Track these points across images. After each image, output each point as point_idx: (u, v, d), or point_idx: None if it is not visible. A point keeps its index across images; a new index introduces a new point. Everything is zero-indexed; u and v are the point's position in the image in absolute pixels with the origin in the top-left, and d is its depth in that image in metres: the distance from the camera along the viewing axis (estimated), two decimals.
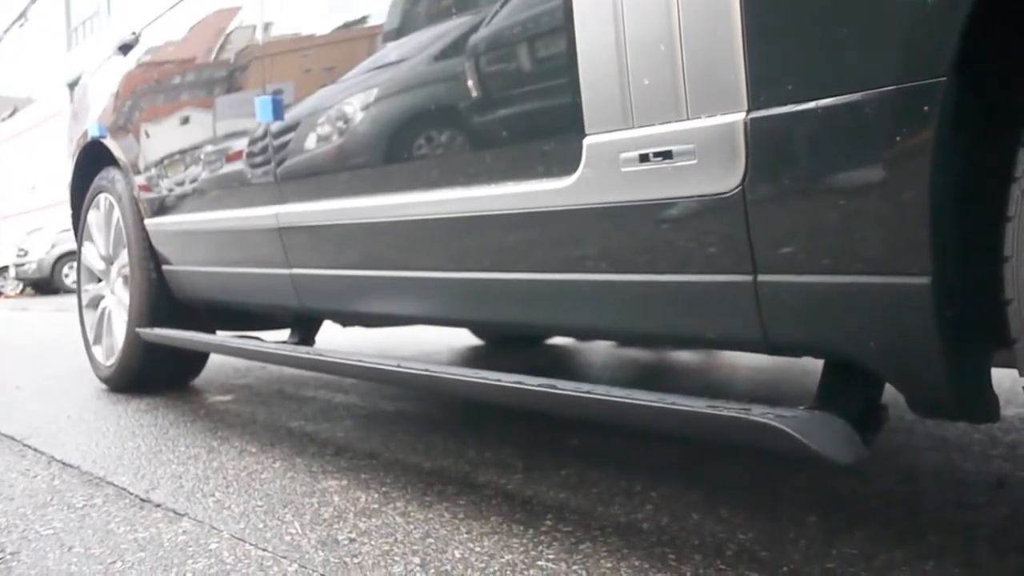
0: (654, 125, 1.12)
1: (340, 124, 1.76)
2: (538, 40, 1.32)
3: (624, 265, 1.22)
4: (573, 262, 1.30)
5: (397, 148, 1.63)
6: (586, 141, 1.22)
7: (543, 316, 1.44)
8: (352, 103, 1.72)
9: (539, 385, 1.29)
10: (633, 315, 1.26)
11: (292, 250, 2.02)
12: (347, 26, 1.81)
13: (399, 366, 1.61)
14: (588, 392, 1.21)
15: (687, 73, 1.06)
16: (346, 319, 2.40)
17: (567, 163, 1.26)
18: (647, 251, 1.18)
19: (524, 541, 1.34)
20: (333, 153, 1.80)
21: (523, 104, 1.36)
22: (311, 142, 1.87)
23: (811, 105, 0.93)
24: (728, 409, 1.03)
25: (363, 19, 1.76)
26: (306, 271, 2.01)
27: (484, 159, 1.43)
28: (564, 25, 1.24)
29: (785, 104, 0.96)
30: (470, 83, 1.45)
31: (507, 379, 1.36)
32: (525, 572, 1.22)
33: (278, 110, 1.97)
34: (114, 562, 1.32)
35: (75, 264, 3.39)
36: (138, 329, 2.74)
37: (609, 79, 1.17)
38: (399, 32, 1.62)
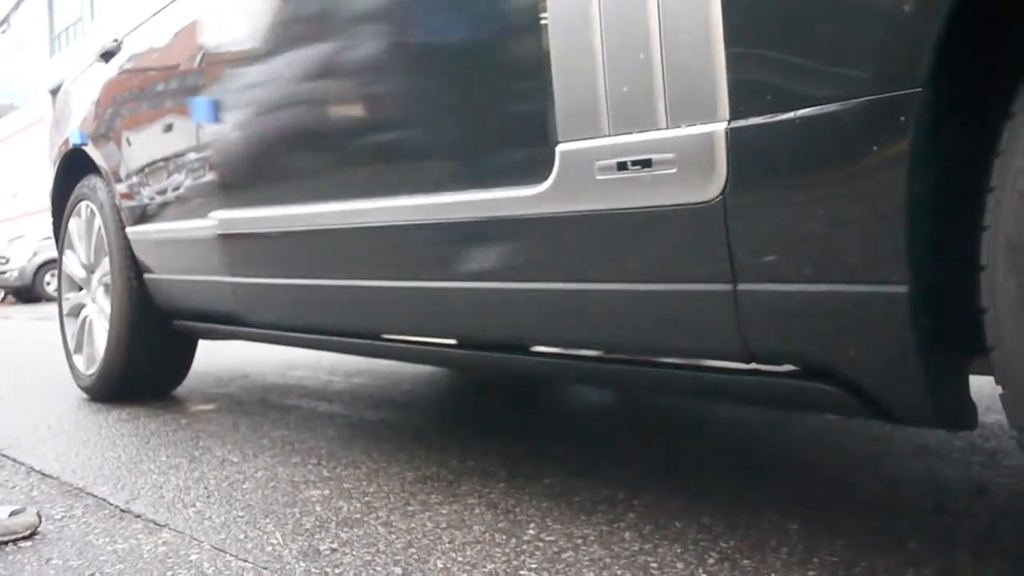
0: (632, 133, 1.12)
1: (295, 128, 1.73)
2: (510, 43, 1.32)
3: (599, 275, 1.22)
4: (545, 272, 1.29)
5: (361, 152, 1.62)
6: (559, 148, 1.21)
7: (512, 328, 1.42)
8: (309, 105, 1.71)
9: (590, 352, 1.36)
10: (609, 326, 1.25)
11: (232, 257, 2.02)
12: (295, 24, 1.79)
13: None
14: (642, 358, 1.26)
15: (667, 82, 1.07)
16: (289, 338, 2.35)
17: (538, 170, 1.25)
18: (623, 261, 1.18)
19: (507, 551, 1.34)
20: (284, 157, 1.78)
21: (493, 108, 1.35)
22: (256, 146, 1.85)
23: (790, 115, 0.94)
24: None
25: (313, 18, 1.75)
26: (246, 280, 2.01)
27: (450, 164, 1.42)
28: (537, 29, 1.23)
29: (764, 114, 0.97)
30: (435, 85, 1.43)
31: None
32: None
33: (215, 113, 1.96)
34: (92, 574, 1.31)
35: (57, 272, 3.36)
36: (176, 322, 2.69)
37: (585, 86, 1.16)
38: (354, 32, 1.61)
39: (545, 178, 1.24)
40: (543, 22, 1.22)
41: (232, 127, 1.99)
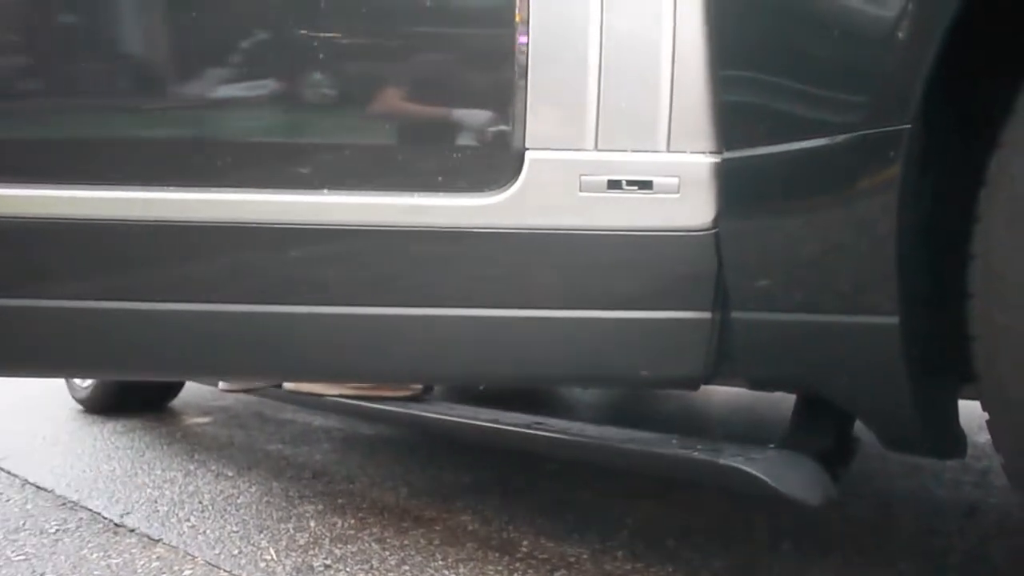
0: (626, 152, 1.09)
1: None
2: (475, 15, 1.17)
3: (569, 301, 1.13)
4: (496, 295, 1.15)
5: (247, 123, 1.22)
6: (530, 155, 1.10)
7: (456, 364, 1.20)
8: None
9: (514, 425, 1.29)
10: (587, 356, 1.16)
11: None
12: None
13: (379, 403, 1.62)
14: (561, 433, 1.22)
15: (673, 105, 1.06)
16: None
17: (495, 177, 1.11)
18: (608, 284, 1.12)
19: (500, 568, 1.35)
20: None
21: (441, 91, 1.17)
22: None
23: (785, 147, 0.96)
24: (698, 451, 1.04)
25: None
26: None
27: (374, 158, 1.18)
28: (512, 9, 1.09)
29: (761, 145, 0.99)
30: (360, 41, 1.19)
31: (484, 415, 1.36)
32: None
33: None
34: None
35: None
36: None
37: (572, 93, 1.09)
38: None
39: (504, 187, 1.11)
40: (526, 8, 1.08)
41: None
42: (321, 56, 1.17)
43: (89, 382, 2.93)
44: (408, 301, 1.15)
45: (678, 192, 1.07)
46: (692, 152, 1.05)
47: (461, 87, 1.17)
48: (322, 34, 1.16)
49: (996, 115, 0.83)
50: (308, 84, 1.20)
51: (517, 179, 1.10)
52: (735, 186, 1.02)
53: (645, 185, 1.08)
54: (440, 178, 1.12)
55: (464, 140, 1.16)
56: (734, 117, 1.01)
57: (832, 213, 0.93)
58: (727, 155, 1.02)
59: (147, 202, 1.13)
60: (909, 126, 0.83)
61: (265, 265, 1.17)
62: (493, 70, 1.14)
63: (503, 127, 1.12)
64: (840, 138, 0.89)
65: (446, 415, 1.46)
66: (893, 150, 0.84)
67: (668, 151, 1.07)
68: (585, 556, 1.39)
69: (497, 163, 1.11)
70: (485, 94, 1.15)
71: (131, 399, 2.89)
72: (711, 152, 1.04)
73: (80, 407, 3.05)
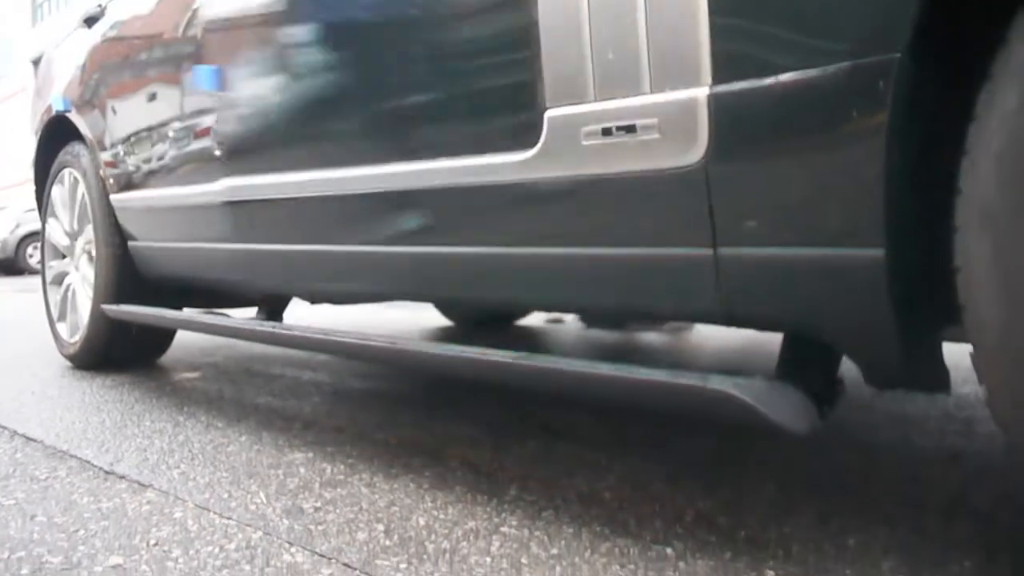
0: (615, 99, 1.13)
1: (300, 97, 1.76)
2: (500, 10, 1.32)
3: (584, 239, 1.24)
4: (532, 236, 1.33)
5: (361, 120, 1.63)
6: (547, 114, 1.23)
7: (499, 290, 1.47)
8: (312, 74, 1.73)
9: (501, 357, 1.30)
10: (593, 288, 1.27)
11: (241, 225, 2.03)
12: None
13: (365, 340, 1.62)
14: (549, 364, 1.23)
15: (651, 46, 1.08)
16: (307, 295, 2.39)
17: (528, 136, 1.26)
18: (608, 225, 1.20)
19: (488, 510, 1.36)
20: (293, 125, 1.82)
21: (483, 76, 1.37)
22: (265, 115, 1.89)
23: (772, 80, 0.95)
24: (686, 378, 1.05)
25: None
26: (257, 246, 2.02)
27: (441, 131, 1.44)
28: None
29: (747, 79, 0.98)
30: (425, 53, 1.45)
31: (471, 351, 1.37)
32: (488, 538, 1.24)
33: (219, 81, 1.97)
34: (77, 530, 1.32)
35: (40, 244, 3.34)
36: (103, 306, 2.71)
37: (572, 51, 1.17)
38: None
39: (533, 144, 1.25)
40: None
41: (239, 96, 1.98)
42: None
43: (77, 338, 2.93)
44: (470, 242, 1.43)
45: (659, 133, 1.07)
46: (674, 90, 1.05)
47: (497, 58, 1.35)
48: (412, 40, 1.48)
49: (987, 47, 0.83)
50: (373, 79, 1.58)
51: (541, 136, 1.25)
52: (724, 121, 1.01)
53: (630, 129, 1.11)
54: (490, 140, 1.34)
55: (504, 105, 1.34)
56: (720, 51, 1.00)
57: (821, 145, 0.93)
58: (715, 90, 1.01)
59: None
60: (899, 55, 0.83)
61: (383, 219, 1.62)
62: (518, 39, 1.27)
63: (529, 90, 1.26)
64: (830, 68, 0.89)
65: (431, 349, 1.47)
66: (883, 80, 0.84)
67: (651, 92, 1.08)
68: (572, 498, 1.41)
69: (527, 123, 1.26)
70: (515, 62, 1.29)
71: (120, 355, 2.90)
72: (697, 88, 1.03)
73: (68, 363, 3.05)
